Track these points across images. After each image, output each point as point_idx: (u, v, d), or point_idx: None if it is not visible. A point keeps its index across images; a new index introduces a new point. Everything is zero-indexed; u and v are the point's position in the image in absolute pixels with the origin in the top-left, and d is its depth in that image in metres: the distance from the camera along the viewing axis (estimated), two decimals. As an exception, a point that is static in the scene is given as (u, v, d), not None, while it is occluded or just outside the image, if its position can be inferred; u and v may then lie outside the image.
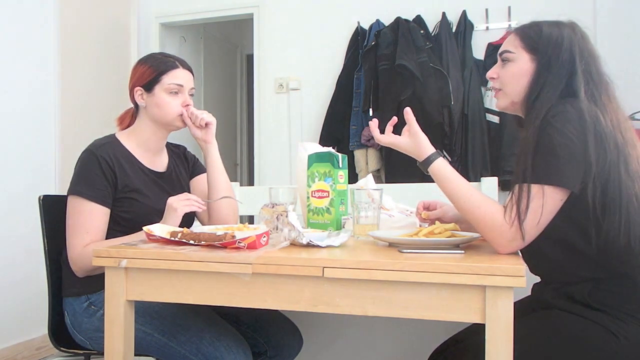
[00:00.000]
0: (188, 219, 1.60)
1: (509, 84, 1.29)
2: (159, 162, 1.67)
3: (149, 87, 1.58)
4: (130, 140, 1.61)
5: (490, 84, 1.35)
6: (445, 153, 3.18)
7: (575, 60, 1.21)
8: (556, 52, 1.22)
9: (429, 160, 1.26)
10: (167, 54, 1.66)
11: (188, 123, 1.61)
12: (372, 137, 3.28)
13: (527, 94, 1.25)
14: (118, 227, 1.51)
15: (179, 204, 1.43)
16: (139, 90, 1.59)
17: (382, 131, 1.37)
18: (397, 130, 1.33)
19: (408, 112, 1.32)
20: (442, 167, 1.24)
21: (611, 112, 1.18)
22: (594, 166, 1.11)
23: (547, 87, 1.21)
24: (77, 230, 1.46)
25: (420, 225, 1.44)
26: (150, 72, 1.58)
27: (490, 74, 1.34)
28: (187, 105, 1.60)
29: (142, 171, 1.59)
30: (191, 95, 1.63)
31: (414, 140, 1.29)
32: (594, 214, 1.14)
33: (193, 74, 1.66)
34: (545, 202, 1.10)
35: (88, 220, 1.45)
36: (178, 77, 1.59)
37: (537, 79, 1.23)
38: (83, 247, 1.44)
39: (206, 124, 1.62)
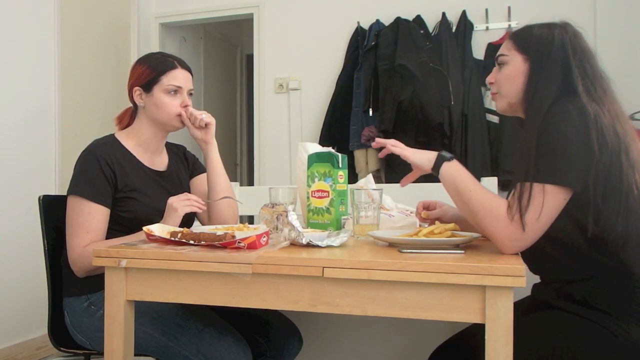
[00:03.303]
0: (187, 219, 1.60)
1: (504, 86, 1.30)
2: (159, 161, 1.67)
3: (147, 87, 1.58)
4: (129, 140, 1.61)
5: (490, 88, 1.36)
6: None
7: (568, 57, 1.21)
8: (547, 50, 1.23)
9: (444, 157, 1.25)
10: (165, 54, 1.66)
11: (187, 124, 1.61)
12: (372, 137, 3.30)
13: (524, 94, 1.26)
14: (118, 227, 1.51)
15: (179, 204, 1.43)
16: (137, 90, 1.59)
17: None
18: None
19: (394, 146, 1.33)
20: (457, 163, 1.24)
21: (608, 104, 1.18)
22: (596, 156, 1.11)
23: (543, 85, 1.21)
24: (77, 230, 1.46)
25: (420, 225, 1.44)
26: (149, 72, 1.58)
27: (488, 79, 1.36)
28: (186, 106, 1.60)
29: (142, 170, 1.59)
30: (190, 95, 1.63)
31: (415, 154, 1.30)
32: (595, 202, 1.13)
33: (192, 74, 1.66)
34: (547, 200, 1.10)
35: (88, 220, 1.45)
36: (177, 77, 1.59)
37: (531, 78, 1.24)
38: (83, 247, 1.44)
39: (206, 125, 1.62)
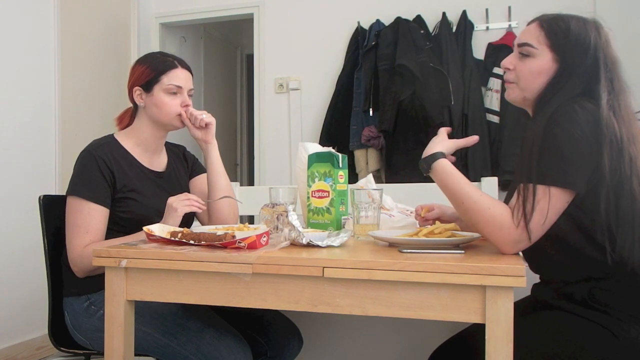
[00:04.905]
0: (187, 219, 1.59)
1: (525, 80, 1.25)
2: (158, 162, 1.67)
3: (147, 87, 1.58)
4: (128, 140, 1.61)
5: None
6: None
7: (599, 67, 1.18)
8: (581, 57, 1.19)
9: (434, 157, 1.24)
10: (165, 54, 1.66)
11: (187, 124, 1.61)
12: (372, 137, 3.31)
13: (543, 94, 1.23)
14: (117, 227, 1.51)
15: (179, 204, 1.43)
16: (137, 90, 1.59)
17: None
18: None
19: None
20: (446, 165, 1.23)
21: (628, 125, 1.16)
22: (607, 175, 1.10)
23: (564, 91, 1.18)
24: (76, 230, 1.46)
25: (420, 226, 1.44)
26: (149, 72, 1.58)
27: (506, 63, 1.29)
28: (187, 105, 1.60)
29: (141, 171, 1.59)
30: (190, 95, 1.63)
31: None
32: (607, 225, 1.13)
33: (192, 74, 1.66)
34: (552, 203, 1.09)
35: (87, 220, 1.45)
36: (177, 77, 1.58)
37: (557, 81, 1.21)
38: (83, 248, 1.44)
39: (206, 125, 1.62)
